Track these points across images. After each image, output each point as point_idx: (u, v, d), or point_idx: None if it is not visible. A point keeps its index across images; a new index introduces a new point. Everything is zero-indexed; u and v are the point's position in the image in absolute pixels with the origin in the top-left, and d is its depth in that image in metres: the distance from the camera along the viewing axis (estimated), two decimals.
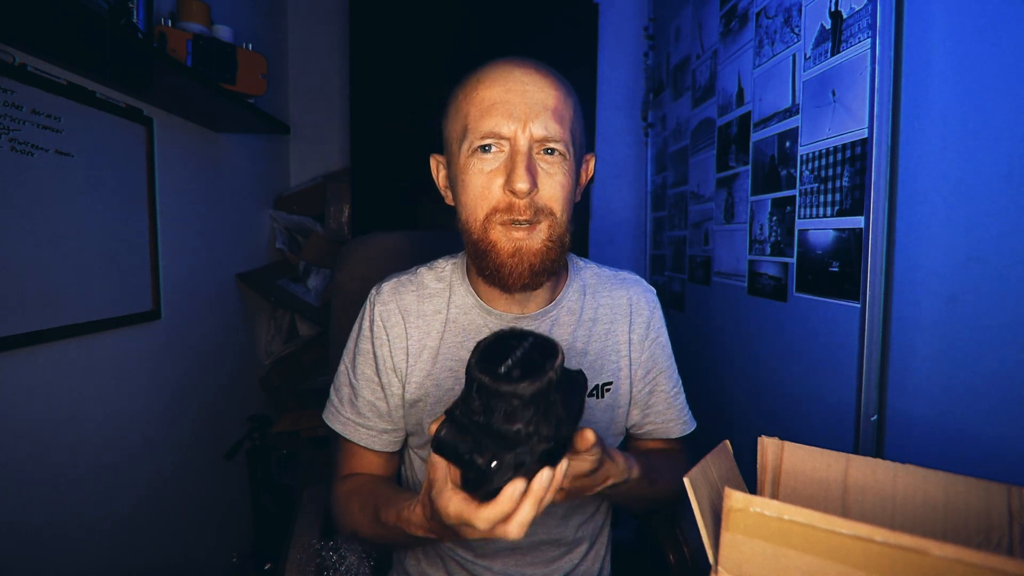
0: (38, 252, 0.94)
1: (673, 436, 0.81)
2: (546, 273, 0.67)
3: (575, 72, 1.97)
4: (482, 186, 0.65)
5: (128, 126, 1.16)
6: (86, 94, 1.03)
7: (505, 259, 0.65)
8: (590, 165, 0.75)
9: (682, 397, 0.83)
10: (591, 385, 0.74)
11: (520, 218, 0.64)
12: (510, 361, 0.42)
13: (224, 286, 1.65)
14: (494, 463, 0.42)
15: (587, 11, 1.99)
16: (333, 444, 0.82)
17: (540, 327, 0.74)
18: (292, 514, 0.96)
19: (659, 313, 0.82)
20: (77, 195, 1.02)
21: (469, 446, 0.43)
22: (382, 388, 0.75)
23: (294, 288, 1.88)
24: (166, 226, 1.31)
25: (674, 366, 0.83)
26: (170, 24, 1.19)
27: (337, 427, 0.77)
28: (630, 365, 0.78)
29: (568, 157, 0.66)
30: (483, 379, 0.41)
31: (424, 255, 1.02)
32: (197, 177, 1.47)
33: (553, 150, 0.65)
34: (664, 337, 0.82)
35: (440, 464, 0.47)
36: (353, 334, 0.79)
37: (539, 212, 0.64)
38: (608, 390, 0.76)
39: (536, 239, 0.65)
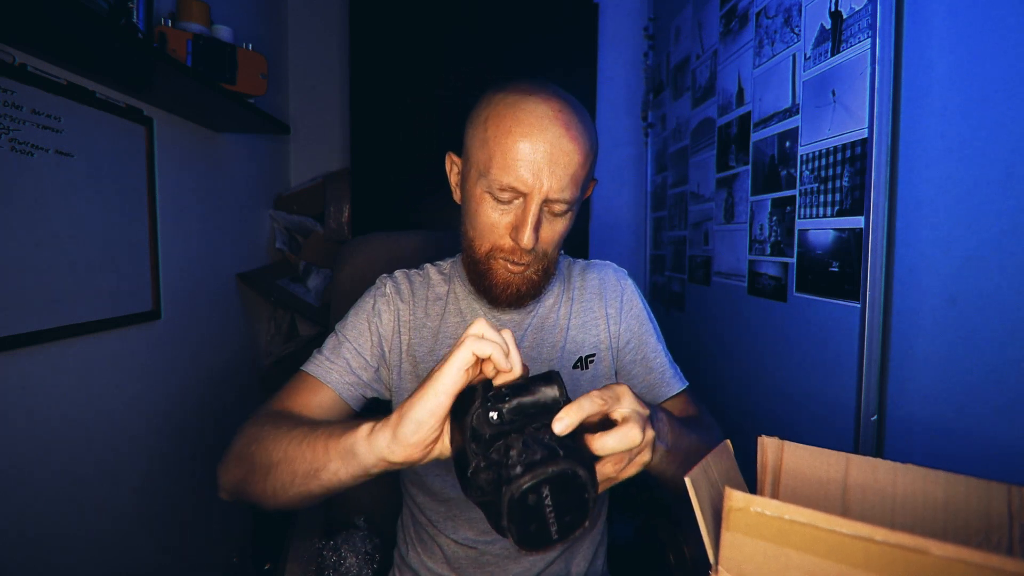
0: (38, 252, 0.94)
1: (664, 398, 0.81)
2: (530, 296, 0.75)
3: (575, 72, 1.99)
4: (491, 224, 0.70)
5: (128, 126, 1.16)
6: (86, 94, 1.03)
7: (497, 282, 0.73)
8: (590, 188, 0.79)
9: (662, 358, 0.83)
10: (575, 358, 0.80)
11: (518, 259, 0.71)
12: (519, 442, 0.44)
13: (224, 286, 1.65)
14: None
15: (587, 11, 1.99)
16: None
17: (528, 307, 0.81)
18: (292, 514, 0.96)
19: (630, 287, 0.86)
20: (77, 195, 1.02)
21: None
22: (371, 344, 0.77)
23: (294, 288, 1.88)
24: (166, 226, 1.31)
25: (651, 331, 0.84)
26: (170, 24, 1.19)
27: (309, 368, 0.75)
28: (609, 338, 0.82)
29: (573, 208, 0.71)
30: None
31: (424, 255, 1.02)
32: (197, 177, 1.47)
33: (561, 212, 0.70)
34: (638, 307, 0.85)
35: None
36: (352, 309, 0.81)
37: (534, 255, 0.72)
38: (592, 362, 0.80)
39: (528, 273, 0.73)
